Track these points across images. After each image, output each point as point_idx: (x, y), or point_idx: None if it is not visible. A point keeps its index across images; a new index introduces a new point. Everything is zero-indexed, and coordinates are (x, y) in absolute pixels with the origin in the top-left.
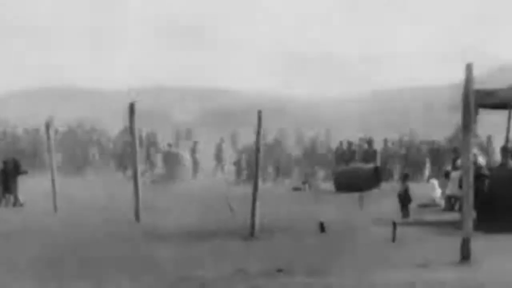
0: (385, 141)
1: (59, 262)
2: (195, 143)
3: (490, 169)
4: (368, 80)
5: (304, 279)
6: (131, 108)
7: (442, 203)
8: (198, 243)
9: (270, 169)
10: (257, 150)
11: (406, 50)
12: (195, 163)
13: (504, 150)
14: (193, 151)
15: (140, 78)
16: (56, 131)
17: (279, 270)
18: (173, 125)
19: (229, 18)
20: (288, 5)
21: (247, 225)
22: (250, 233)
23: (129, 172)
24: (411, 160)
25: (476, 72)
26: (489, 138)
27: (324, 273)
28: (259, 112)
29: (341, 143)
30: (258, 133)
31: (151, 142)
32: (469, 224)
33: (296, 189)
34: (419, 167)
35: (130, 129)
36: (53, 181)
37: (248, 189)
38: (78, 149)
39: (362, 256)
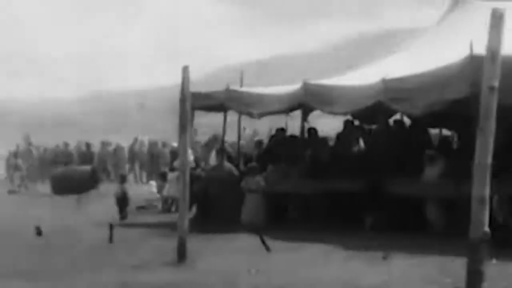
0: (103, 143)
1: None
2: None
3: (204, 170)
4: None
5: (18, 283)
6: None
7: (160, 204)
8: None
9: None
10: None
11: (124, 51)
12: None
13: (220, 151)
14: None
15: None
16: None
17: None
18: None
19: None
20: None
21: None
22: None
23: None
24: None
25: (199, 74)
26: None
27: (39, 277)
28: None
29: (57, 145)
30: None
31: None
32: (185, 224)
33: (11, 192)
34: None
35: None
36: None
37: None
38: None
39: (78, 258)
